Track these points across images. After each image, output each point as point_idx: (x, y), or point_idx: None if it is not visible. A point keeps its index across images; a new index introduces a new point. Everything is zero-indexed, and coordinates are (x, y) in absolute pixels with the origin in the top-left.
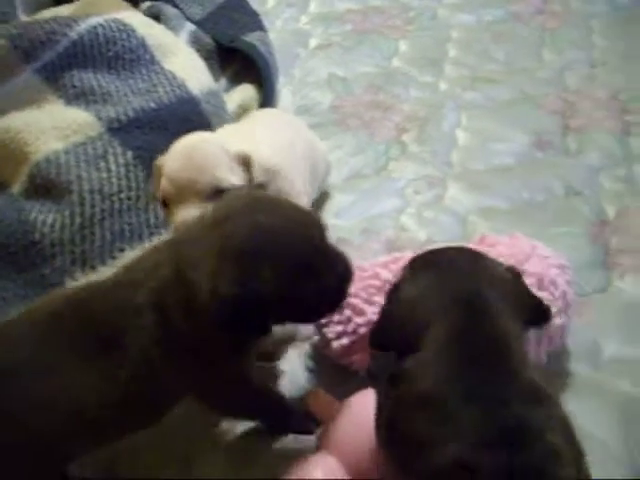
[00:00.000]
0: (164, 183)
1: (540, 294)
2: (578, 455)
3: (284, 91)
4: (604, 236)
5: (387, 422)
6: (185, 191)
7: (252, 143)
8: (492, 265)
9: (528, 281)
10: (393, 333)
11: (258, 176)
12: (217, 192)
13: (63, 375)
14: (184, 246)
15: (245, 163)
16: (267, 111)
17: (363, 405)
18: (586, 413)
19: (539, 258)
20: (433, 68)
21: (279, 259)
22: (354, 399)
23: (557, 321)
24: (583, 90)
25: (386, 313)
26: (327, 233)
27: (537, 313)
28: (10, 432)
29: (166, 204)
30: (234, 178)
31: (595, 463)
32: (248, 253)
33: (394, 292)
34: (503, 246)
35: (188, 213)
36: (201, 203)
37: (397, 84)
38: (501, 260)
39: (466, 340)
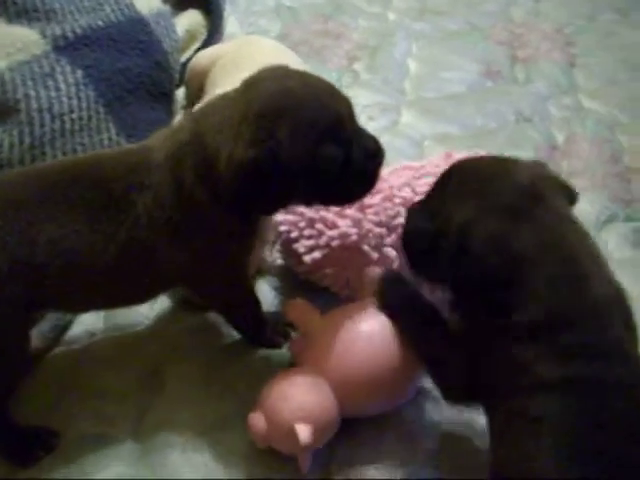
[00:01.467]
0: None
1: None
2: None
3: (230, 19)
4: (554, 160)
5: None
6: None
7: None
8: (527, 166)
9: None
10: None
11: None
12: None
13: (65, 225)
14: (206, 113)
15: None
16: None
17: (349, 320)
18: None
19: None
20: None
21: (298, 121)
22: (338, 313)
23: None
24: (529, 23)
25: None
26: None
27: (571, 196)
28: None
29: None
30: None
31: None
32: (267, 114)
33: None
34: None
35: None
36: None
37: (345, 13)
38: None
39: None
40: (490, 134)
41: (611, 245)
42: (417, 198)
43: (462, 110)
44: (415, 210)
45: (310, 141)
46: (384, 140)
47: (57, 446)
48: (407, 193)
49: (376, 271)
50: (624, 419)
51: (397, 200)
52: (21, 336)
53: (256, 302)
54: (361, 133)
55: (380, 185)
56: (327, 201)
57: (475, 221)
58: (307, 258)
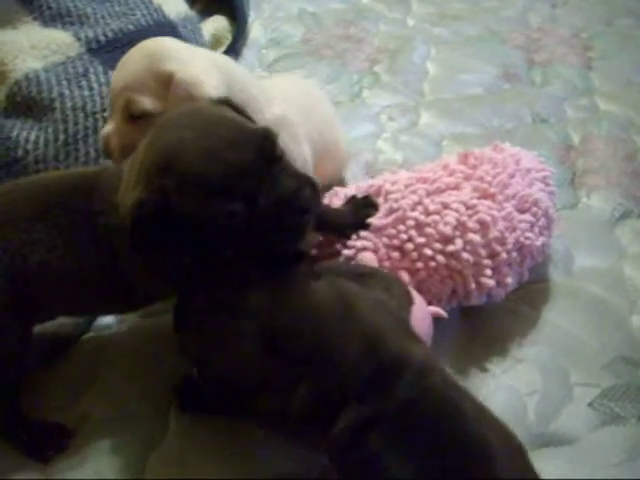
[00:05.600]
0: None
1: (522, 217)
2: None
3: (255, 25)
4: (570, 159)
5: None
6: (113, 103)
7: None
8: None
9: (510, 205)
10: None
11: (177, 104)
12: (138, 115)
13: (52, 248)
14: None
15: (166, 83)
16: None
17: None
18: (564, 314)
19: (523, 174)
20: (401, 5)
21: (184, 175)
22: None
23: (538, 242)
24: (546, 28)
25: None
26: (280, 156)
27: None
28: None
29: None
30: (148, 103)
31: (573, 355)
32: (158, 166)
33: None
34: (488, 165)
35: (105, 129)
36: (119, 122)
37: (367, 19)
38: (484, 186)
39: None
40: (507, 134)
41: (625, 240)
42: (430, 219)
43: (480, 111)
44: None
45: (198, 195)
46: (403, 140)
47: (68, 447)
48: (419, 214)
49: (368, 256)
50: None
51: (409, 222)
52: (19, 339)
53: None
54: (277, 181)
55: (392, 205)
56: (251, 253)
57: None
58: None
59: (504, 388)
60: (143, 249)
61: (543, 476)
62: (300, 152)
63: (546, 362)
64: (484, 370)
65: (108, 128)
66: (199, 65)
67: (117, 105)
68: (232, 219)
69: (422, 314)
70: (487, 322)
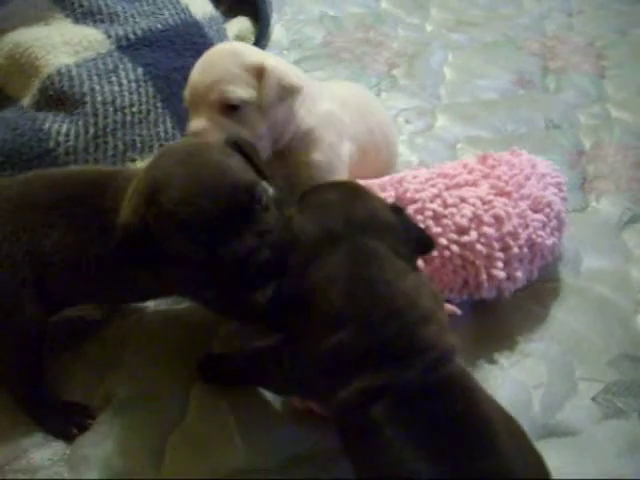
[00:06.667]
0: (186, 89)
1: (535, 216)
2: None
3: (277, 27)
4: (581, 164)
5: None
6: (199, 101)
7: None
8: (371, 205)
9: (524, 204)
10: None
11: (271, 92)
12: (230, 107)
13: (64, 235)
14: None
15: (258, 75)
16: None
17: None
18: (571, 312)
19: (538, 178)
20: (419, 11)
21: (161, 209)
22: None
23: (549, 241)
24: (561, 36)
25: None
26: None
27: (422, 244)
28: None
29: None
30: (242, 92)
31: (578, 351)
32: (145, 194)
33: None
34: (505, 166)
35: (197, 125)
36: (213, 116)
37: (386, 24)
38: (501, 184)
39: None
40: (520, 138)
41: (632, 243)
42: (447, 211)
43: (494, 115)
44: None
45: (168, 230)
46: (419, 142)
47: (90, 426)
48: (437, 206)
49: None
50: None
51: (427, 213)
52: (36, 320)
53: None
54: (240, 237)
55: (413, 195)
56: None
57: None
58: None
59: (511, 381)
60: (127, 263)
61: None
62: (339, 147)
63: (552, 357)
64: (493, 363)
65: (200, 124)
66: (277, 59)
67: (207, 100)
68: (192, 261)
69: None
70: (497, 318)
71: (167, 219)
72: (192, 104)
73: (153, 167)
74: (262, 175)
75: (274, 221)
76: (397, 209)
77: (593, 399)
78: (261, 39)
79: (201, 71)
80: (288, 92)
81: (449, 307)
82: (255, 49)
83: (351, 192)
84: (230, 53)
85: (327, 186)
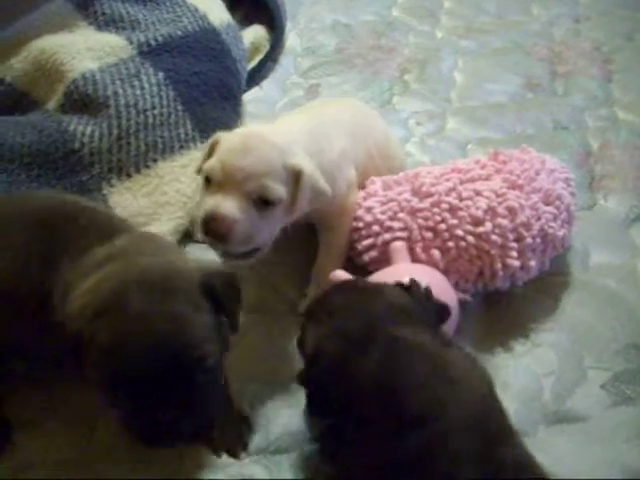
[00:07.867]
0: (214, 162)
1: (546, 209)
2: None
3: (291, 34)
4: (589, 164)
5: None
6: (231, 182)
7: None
8: (383, 296)
9: (536, 197)
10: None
11: (305, 195)
12: (262, 200)
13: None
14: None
15: (296, 178)
16: (342, 102)
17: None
18: (580, 304)
19: (547, 173)
20: (430, 18)
21: (100, 338)
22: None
23: (560, 232)
24: (569, 42)
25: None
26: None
27: (440, 314)
28: None
29: (208, 181)
30: (282, 190)
31: (587, 341)
32: (94, 307)
33: (304, 346)
34: (516, 162)
35: (224, 207)
36: (243, 205)
37: (397, 31)
38: (513, 178)
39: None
40: (529, 139)
41: (638, 240)
42: (462, 204)
43: (503, 118)
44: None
45: (96, 358)
46: (430, 143)
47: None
48: (453, 199)
49: (399, 245)
50: None
51: (444, 206)
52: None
53: None
54: (167, 406)
55: (429, 189)
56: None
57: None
58: (365, 257)
59: (523, 369)
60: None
61: (557, 450)
62: (343, 179)
63: (562, 347)
64: (507, 351)
65: (228, 209)
66: (306, 158)
67: (242, 188)
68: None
69: (450, 300)
70: (509, 310)
71: (97, 350)
72: (221, 184)
73: (120, 272)
74: (233, 326)
75: (213, 393)
76: (407, 287)
77: (602, 387)
78: (276, 47)
79: (240, 155)
80: (318, 196)
81: (460, 295)
82: (287, 146)
83: (358, 290)
84: (273, 147)
85: (332, 292)
